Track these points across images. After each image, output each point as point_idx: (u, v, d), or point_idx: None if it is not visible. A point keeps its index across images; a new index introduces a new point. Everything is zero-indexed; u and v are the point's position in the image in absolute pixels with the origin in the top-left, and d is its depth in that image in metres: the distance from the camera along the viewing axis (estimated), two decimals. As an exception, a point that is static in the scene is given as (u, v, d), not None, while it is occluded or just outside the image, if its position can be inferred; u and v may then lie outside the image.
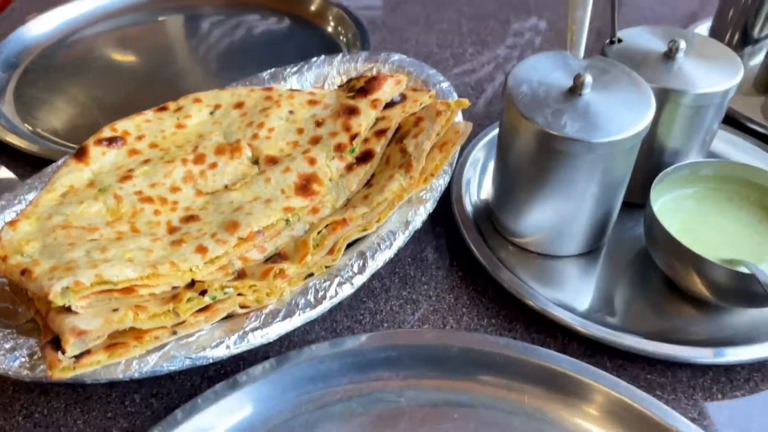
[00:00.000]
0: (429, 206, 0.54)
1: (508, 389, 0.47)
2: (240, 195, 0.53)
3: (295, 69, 0.68)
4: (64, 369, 0.36)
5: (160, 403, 0.46)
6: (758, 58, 0.81)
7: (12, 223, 0.48)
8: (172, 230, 0.50)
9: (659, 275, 0.57)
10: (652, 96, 0.53)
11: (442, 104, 0.56)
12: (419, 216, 0.53)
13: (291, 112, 0.61)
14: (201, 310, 0.42)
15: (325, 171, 0.56)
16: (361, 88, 0.61)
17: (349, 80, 0.64)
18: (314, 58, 0.69)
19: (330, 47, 0.88)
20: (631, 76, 0.54)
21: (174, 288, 0.44)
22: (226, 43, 0.90)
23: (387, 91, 0.60)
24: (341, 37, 0.89)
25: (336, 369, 0.48)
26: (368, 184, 0.56)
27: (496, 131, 0.69)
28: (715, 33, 0.82)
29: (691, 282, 0.52)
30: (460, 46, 0.90)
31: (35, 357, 0.39)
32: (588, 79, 0.52)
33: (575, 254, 0.59)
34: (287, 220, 0.52)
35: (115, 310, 0.39)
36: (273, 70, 0.68)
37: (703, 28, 0.87)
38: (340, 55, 0.69)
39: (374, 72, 0.66)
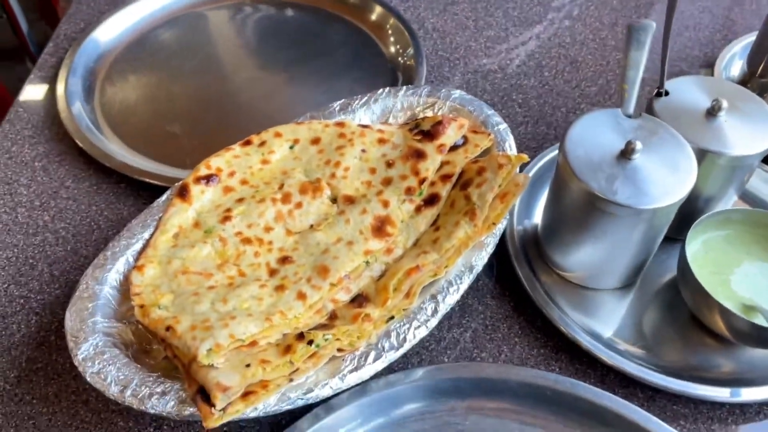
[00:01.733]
0: (489, 249, 0.61)
1: (555, 417, 0.56)
2: (325, 236, 0.61)
3: (363, 101, 0.74)
4: (215, 419, 0.45)
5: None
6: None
7: (139, 269, 0.56)
8: (272, 273, 0.58)
9: (687, 308, 0.65)
10: (694, 160, 0.59)
11: (503, 157, 0.63)
12: (481, 260, 0.60)
13: (363, 150, 0.67)
14: (308, 357, 0.51)
15: (397, 213, 0.63)
16: (427, 131, 0.67)
17: (415, 120, 0.70)
18: (380, 90, 0.74)
19: (380, 56, 0.93)
20: (676, 139, 0.61)
21: (284, 335, 0.53)
22: (288, 40, 0.96)
23: (451, 135, 0.67)
24: (394, 47, 0.94)
25: (410, 395, 0.57)
26: (434, 224, 0.64)
27: (548, 158, 0.76)
28: (752, 58, 0.87)
29: (715, 323, 0.61)
30: (507, 56, 0.94)
31: (182, 400, 0.48)
32: (638, 145, 0.58)
33: (613, 288, 0.67)
34: (367, 262, 0.60)
35: (248, 365, 0.48)
36: (343, 101, 0.74)
37: (745, 43, 0.91)
38: (404, 88, 0.74)
39: (435, 109, 0.72)
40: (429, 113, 0.73)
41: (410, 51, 0.91)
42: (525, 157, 0.62)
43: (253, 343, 0.50)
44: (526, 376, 0.57)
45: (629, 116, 0.63)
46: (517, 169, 0.63)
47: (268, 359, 0.49)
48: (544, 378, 0.57)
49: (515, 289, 0.66)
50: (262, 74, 0.91)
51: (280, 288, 0.56)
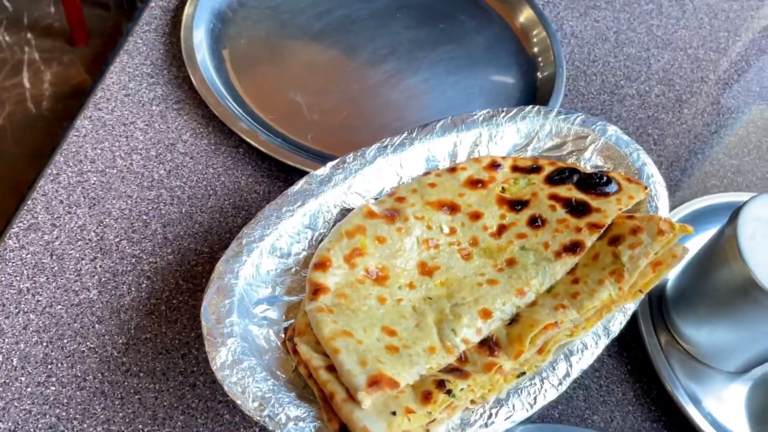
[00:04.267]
0: (628, 315, 0.58)
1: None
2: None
3: (510, 116, 0.69)
4: (357, 468, 0.44)
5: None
6: None
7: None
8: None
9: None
10: None
11: (665, 223, 0.59)
12: (619, 326, 0.58)
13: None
14: (444, 408, 0.49)
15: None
16: (591, 184, 0.63)
17: (562, 173, 0.65)
18: (529, 107, 0.70)
19: (518, 54, 0.88)
20: None
21: (420, 376, 0.51)
22: (421, 18, 0.90)
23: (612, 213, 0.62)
24: (531, 49, 0.88)
25: (522, 449, 0.56)
26: (571, 273, 0.60)
27: (684, 213, 0.72)
28: None
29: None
30: (647, 82, 0.89)
31: (318, 430, 0.46)
32: (818, 244, 0.55)
33: (734, 371, 0.64)
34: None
35: (393, 413, 0.46)
36: (487, 111, 0.69)
37: None
38: (556, 111, 0.70)
39: (587, 143, 0.68)
40: (580, 145, 0.68)
41: (550, 57, 0.86)
42: (690, 229, 0.58)
43: (396, 385, 0.48)
44: (645, 457, 0.55)
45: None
46: (674, 237, 0.59)
47: (411, 407, 0.47)
48: (662, 462, 0.55)
49: (635, 350, 0.64)
50: (389, 51, 0.86)
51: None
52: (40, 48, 2.12)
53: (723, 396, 0.63)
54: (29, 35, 2.16)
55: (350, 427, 0.45)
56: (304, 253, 0.60)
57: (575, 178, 0.65)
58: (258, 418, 0.46)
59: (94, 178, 0.67)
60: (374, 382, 0.47)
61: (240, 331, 0.50)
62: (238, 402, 0.46)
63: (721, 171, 0.81)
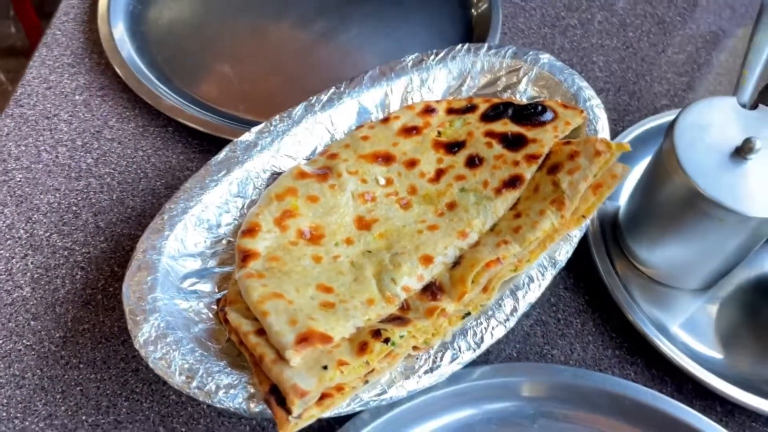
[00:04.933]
0: (575, 243, 0.56)
1: (630, 428, 0.53)
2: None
3: (440, 57, 0.67)
4: (291, 426, 0.42)
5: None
6: None
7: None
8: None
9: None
10: (815, 164, 0.53)
11: (602, 143, 0.56)
12: (566, 254, 0.56)
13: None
14: (384, 357, 0.47)
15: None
16: (526, 114, 0.61)
17: (497, 101, 0.63)
18: (458, 46, 0.67)
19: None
20: (798, 139, 0.54)
21: (357, 328, 0.49)
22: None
23: (549, 141, 0.59)
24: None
25: (477, 394, 0.54)
26: (513, 208, 0.58)
27: (634, 134, 0.70)
28: None
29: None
30: (588, 11, 0.86)
31: (251, 395, 0.45)
32: (757, 144, 0.52)
33: (694, 289, 0.62)
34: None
35: (324, 367, 0.44)
36: (416, 56, 0.67)
37: None
38: (486, 46, 0.67)
39: (520, 74, 0.66)
40: (513, 78, 0.66)
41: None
42: (627, 146, 0.56)
43: (329, 339, 0.46)
44: (605, 384, 0.54)
45: (743, 105, 0.56)
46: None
47: (345, 360, 0.45)
48: (624, 387, 0.53)
49: (591, 280, 0.62)
50: (319, 12, 0.83)
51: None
52: (5, 69, 2.09)
53: (688, 317, 0.61)
54: (-9, 59, 2.13)
55: (280, 387, 0.43)
56: (235, 222, 0.58)
57: (510, 111, 0.63)
58: (187, 390, 0.44)
59: (20, 176, 0.65)
60: (303, 339, 0.45)
61: (164, 306, 0.49)
62: (165, 377, 0.45)
63: (672, 90, 0.78)
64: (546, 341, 0.59)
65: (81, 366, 0.55)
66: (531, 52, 0.66)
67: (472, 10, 0.83)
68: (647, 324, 0.59)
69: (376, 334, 0.47)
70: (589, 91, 0.64)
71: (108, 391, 0.54)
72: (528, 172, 0.59)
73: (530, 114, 0.61)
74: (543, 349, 0.59)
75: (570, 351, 0.58)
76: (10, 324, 0.57)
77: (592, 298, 0.61)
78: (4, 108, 0.69)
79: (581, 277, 0.63)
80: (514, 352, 0.58)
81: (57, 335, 0.56)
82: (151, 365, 0.45)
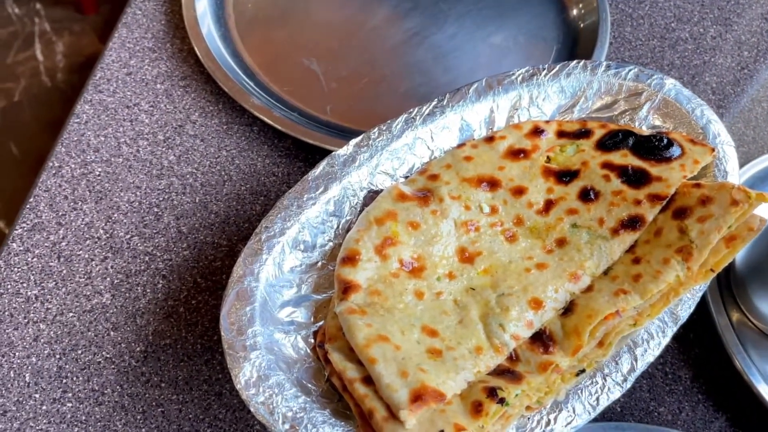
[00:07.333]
0: (698, 298, 0.52)
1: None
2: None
3: (552, 73, 0.61)
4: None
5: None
6: None
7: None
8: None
9: None
10: None
11: (739, 192, 0.51)
12: (687, 310, 0.51)
13: None
14: (498, 418, 0.44)
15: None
16: (649, 148, 0.55)
17: (614, 137, 0.58)
18: (573, 62, 0.62)
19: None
20: None
21: (468, 383, 0.45)
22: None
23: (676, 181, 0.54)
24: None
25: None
26: (631, 251, 0.54)
27: (751, 173, 0.64)
28: None
29: None
30: (700, 23, 0.79)
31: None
32: None
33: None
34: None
35: (441, 431, 0.41)
36: (526, 69, 0.62)
37: None
38: (604, 64, 0.62)
39: (642, 100, 0.60)
40: (634, 103, 0.61)
41: (591, 1, 0.77)
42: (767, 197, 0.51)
43: (442, 397, 0.43)
44: (722, 457, 0.50)
45: None
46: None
47: (461, 424, 0.42)
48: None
49: (701, 332, 0.58)
50: (411, 5, 0.78)
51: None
52: (51, 18, 2.06)
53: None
54: (38, 6, 2.10)
55: (394, 452, 0.40)
56: (330, 244, 0.54)
57: (630, 141, 0.57)
58: (290, 442, 0.41)
59: (99, 169, 0.62)
60: (417, 397, 0.42)
61: (264, 341, 0.45)
62: (267, 424, 0.42)
63: (790, 120, 0.72)
64: (652, 397, 0.55)
65: (162, 385, 0.52)
66: (656, 76, 0.60)
67: (574, 13, 0.77)
68: (763, 384, 0.54)
69: (491, 393, 0.44)
70: (718, 126, 0.58)
71: (190, 415, 0.51)
72: (650, 213, 0.54)
73: (654, 147, 0.56)
74: (649, 405, 0.55)
75: (678, 410, 0.54)
76: (90, 333, 0.54)
77: (703, 351, 0.57)
78: (52, 57, 0.65)
79: (691, 328, 0.58)
80: (617, 406, 0.55)
81: (138, 349, 0.54)
82: (252, 410, 0.42)
